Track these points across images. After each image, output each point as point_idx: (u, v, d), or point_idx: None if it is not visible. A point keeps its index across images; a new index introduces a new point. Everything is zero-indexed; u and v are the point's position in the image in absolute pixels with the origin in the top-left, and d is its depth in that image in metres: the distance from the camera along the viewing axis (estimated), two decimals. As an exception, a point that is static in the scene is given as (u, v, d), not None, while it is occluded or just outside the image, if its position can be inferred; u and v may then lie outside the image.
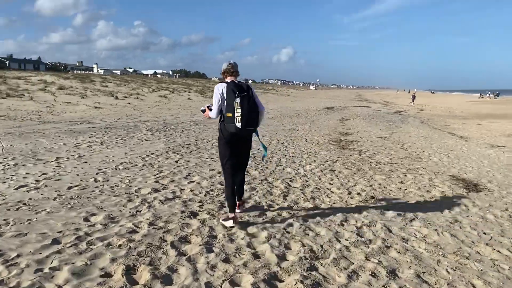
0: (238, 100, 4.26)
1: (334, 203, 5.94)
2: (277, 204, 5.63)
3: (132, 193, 5.67)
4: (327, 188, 6.79)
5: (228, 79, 4.53)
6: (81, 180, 6.24)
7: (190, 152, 9.63)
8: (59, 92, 26.21)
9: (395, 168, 9.20)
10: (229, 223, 4.60)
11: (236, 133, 4.36)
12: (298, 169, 8.34)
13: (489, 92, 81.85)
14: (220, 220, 4.77)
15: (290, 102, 44.48)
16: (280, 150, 10.89)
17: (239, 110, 4.24)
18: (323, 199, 6.06)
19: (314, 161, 9.47)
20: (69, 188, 5.76)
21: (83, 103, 21.96)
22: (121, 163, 7.76)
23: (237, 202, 4.89)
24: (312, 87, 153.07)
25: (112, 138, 11.06)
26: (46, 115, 16.22)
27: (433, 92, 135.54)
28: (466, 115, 33.32)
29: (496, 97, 71.71)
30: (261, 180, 7.07)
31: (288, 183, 6.98)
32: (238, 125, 4.26)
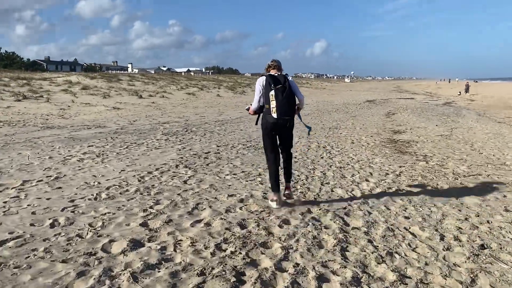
0: (272, 92, 4.57)
1: (426, 264, 3.57)
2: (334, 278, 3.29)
3: (93, 254, 3.49)
4: (406, 229, 4.41)
5: (270, 72, 4.81)
6: (31, 225, 4.14)
7: (207, 165, 7.46)
8: (82, 93, 24.84)
9: (483, 182, 6.68)
10: (273, 204, 4.96)
11: (274, 123, 4.68)
12: (353, 189, 5.98)
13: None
14: (268, 201, 5.11)
15: (326, 95, 41.76)
16: (322, 157, 8.54)
17: (274, 102, 4.55)
18: (406, 260, 3.66)
19: (371, 174, 7.08)
20: (1, 244, 3.67)
21: (103, 104, 20.34)
22: (108, 188, 5.68)
23: (286, 184, 5.07)
24: (347, 80, 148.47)
25: (115, 147, 9.07)
26: (54, 118, 14.54)
27: (477, 81, 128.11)
28: (526, 105, 29.57)
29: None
30: (302, 214, 4.77)
31: (342, 220, 4.65)
32: (274, 115, 4.58)
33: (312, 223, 4.42)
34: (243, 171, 6.94)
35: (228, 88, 37.75)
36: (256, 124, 5.13)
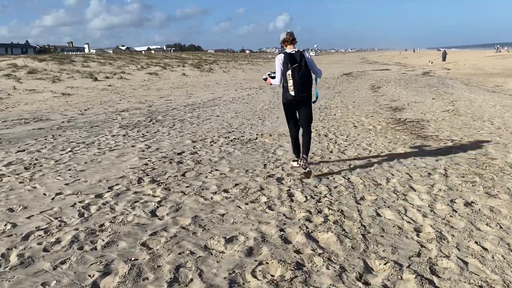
0: (289, 71, 4.80)
1: None
2: None
3: None
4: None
5: (287, 49, 5.00)
6: None
7: (184, 175, 5.32)
8: (27, 77, 21.72)
9: None
10: (295, 163, 5.48)
11: (292, 99, 4.98)
12: (406, 212, 4.02)
13: (498, 46, 76.36)
14: (291, 161, 5.66)
15: (297, 70, 39.73)
16: (332, 152, 6.56)
17: (291, 81, 4.82)
18: None
19: (411, 177, 5.14)
20: None
21: (51, 90, 17.49)
22: (26, 237, 3.46)
23: (303, 155, 5.16)
24: (312, 53, 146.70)
25: (54, 152, 6.74)
26: (-16, 111, 11.81)
27: (439, 50, 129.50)
28: (503, 72, 28.70)
29: (516, 49, 66.30)
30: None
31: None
32: (292, 93, 4.87)
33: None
34: (236, 184, 4.85)
35: (193, 66, 34.99)
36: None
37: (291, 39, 5.00)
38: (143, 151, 6.71)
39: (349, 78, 25.13)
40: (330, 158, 6.18)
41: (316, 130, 8.58)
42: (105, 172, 5.46)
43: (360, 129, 8.69)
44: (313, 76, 5.10)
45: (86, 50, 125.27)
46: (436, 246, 3.22)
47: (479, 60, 46.11)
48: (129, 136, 8.00)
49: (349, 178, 5.10)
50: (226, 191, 4.61)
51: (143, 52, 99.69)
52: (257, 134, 8.16)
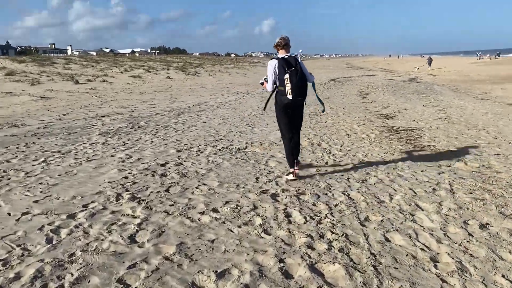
0: (287, 75, 4.77)
1: None
2: None
3: None
4: None
5: (280, 53, 5.01)
6: None
7: (167, 190, 4.81)
8: (5, 80, 20.85)
9: None
10: (290, 176, 5.23)
11: (288, 103, 4.93)
12: (417, 237, 3.61)
13: (480, 53, 77.57)
14: (284, 175, 5.33)
15: (284, 75, 39.42)
16: (328, 163, 6.14)
17: (289, 85, 4.78)
18: None
19: (415, 194, 4.75)
20: None
21: (29, 93, 16.73)
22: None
23: (295, 161, 5.25)
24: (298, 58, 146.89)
25: (26, 162, 6.16)
26: (-46, 116, 11.08)
27: (423, 56, 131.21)
28: (488, 79, 28.88)
29: (497, 57, 67.40)
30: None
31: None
32: (289, 96, 4.82)
33: None
34: (227, 202, 4.37)
35: (178, 69, 34.35)
36: (264, 109, 5.91)
37: (283, 44, 4.98)
38: (123, 161, 6.18)
39: (337, 84, 24.89)
40: (326, 170, 5.76)
41: (308, 138, 8.18)
42: (80, 187, 4.92)
43: (354, 138, 8.31)
44: (309, 83, 5.13)
45: (69, 52, 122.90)
46: (459, 281, 2.80)
47: (464, 67, 46.63)
48: (108, 144, 7.45)
49: (349, 194, 4.67)
50: (215, 210, 4.13)
51: (127, 54, 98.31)
52: (246, 143, 7.70)
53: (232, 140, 7.98)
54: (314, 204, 4.31)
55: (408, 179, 5.35)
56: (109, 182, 5.11)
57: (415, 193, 4.75)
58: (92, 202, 4.38)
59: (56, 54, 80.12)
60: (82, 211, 4.10)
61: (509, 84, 23.47)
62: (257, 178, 5.32)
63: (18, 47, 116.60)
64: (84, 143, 7.52)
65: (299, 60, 4.96)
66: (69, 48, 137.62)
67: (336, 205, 4.28)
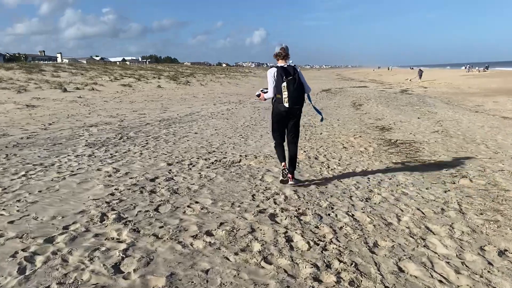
0: (284, 83, 4.86)
1: None
2: None
3: None
4: None
5: (279, 63, 5.10)
6: None
7: (157, 209, 4.44)
8: (-10, 87, 20.30)
9: None
10: (282, 164, 5.33)
11: (285, 111, 5.01)
12: (433, 266, 3.29)
13: (469, 66, 78.57)
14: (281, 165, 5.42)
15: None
16: (327, 179, 5.81)
17: (286, 93, 4.87)
18: None
19: (424, 215, 4.44)
20: None
21: (14, 100, 16.22)
22: None
23: (289, 175, 5.28)
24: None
25: (6, 174, 5.75)
26: None
27: (412, 68, 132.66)
28: (479, 91, 29.01)
29: (486, 69, 68.19)
30: None
31: None
32: (286, 104, 4.90)
33: None
34: (221, 224, 4.01)
35: (169, 78, 33.99)
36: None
37: (283, 54, 5.09)
38: (109, 176, 5.78)
39: (329, 95, 24.74)
40: (326, 187, 5.43)
41: (305, 151, 7.87)
42: (62, 205, 4.52)
43: (351, 151, 8.02)
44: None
45: (59, 60, 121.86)
46: (488, 322, 2.47)
47: (453, 79, 46.99)
48: (95, 156, 7.05)
49: (353, 215, 4.34)
50: (209, 233, 3.77)
51: (117, 63, 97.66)
52: (240, 156, 7.36)
53: (226, 153, 7.64)
54: (316, 227, 3.97)
55: (414, 197, 5.05)
56: (93, 199, 4.71)
57: (423, 214, 4.44)
58: (74, 223, 3.98)
59: (45, 61, 79.27)
60: (62, 234, 3.70)
61: (500, 97, 23.51)
62: (253, 195, 4.97)
63: (7, 54, 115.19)
64: (69, 155, 7.10)
65: (298, 70, 5.06)
66: (59, 55, 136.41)
67: (341, 228, 3.95)
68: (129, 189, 5.16)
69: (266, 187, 5.35)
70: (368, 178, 5.95)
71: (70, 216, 4.17)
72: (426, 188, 5.46)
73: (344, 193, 5.16)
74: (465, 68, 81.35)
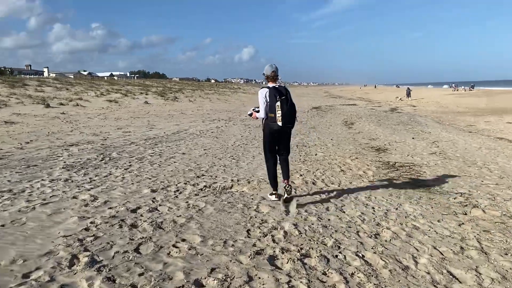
0: (278, 103, 4.98)
1: None
2: None
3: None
4: None
5: (270, 84, 5.21)
6: None
7: (137, 250, 3.82)
8: (-31, 102, 19.49)
9: None
10: (273, 197, 5.59)
11: (278, 130, 5.11)
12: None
13: (454, 85, 79.67)
14: (268, 195, 5.72)
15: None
16: (329, 209, 5.27)
17: (280, 112, 4.97)
18: None
19: (440, 253, 3.91)
20: None
21: (-8, 116, 15.46)
22: None
23: (285, 180, 5.31)
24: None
25: (-36, 205, 5.05)
26: None
27: (398, 86, 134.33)
28: (468, 111, 29.07)
29: (472, 89, 69.07)
30: None
31: None
32: (279, 123, 5.01)
33: None
34: (213, 270, 3.41)
35: (157, 93, 33.40)
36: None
37: (272, 76, 5.22)
38: (86, 205, 5.15)
39: (319, 112, 24.40)
40: (329, 219, 4.88)
41: (301, 174, 7.35)
42: (27, 243, 3.88)
43: (350, 175, 7.52)
44: None
45: (46, 74, 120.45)
46: None
47: (441, 98, 47.33)
48: (72, 181, 6.40)
49: (363, 256, 3.79)
50: (198, 283, 3.17)
51: (105, 78, 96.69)
52: (232, 180, 6.79)
53: (216, 177, 7.06)
54: (324, 273, 3.40)
55: (427, 232, 4.52)
56: (64, 236, 4.08)
57: (442, 254, 3.91)
58: (37, 269, 3.35)
59: (31, 76, 77.98)
60: (20, 285, 3.06)
61: (491, 116, 23.46)
62: (248, 231, 4.39)
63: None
64: (43, 180, 6.44)
65: (289, 91, 5.21)
66: (45, 69, 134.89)
67: (352, 275, 3.38)
68: (107, 222, 4.54)
69: (262, 220, 4.77)
70: (373, 208, 5.42)
71: (34, 259, 3.53)
72: (438, 221, 4.95)
73: (349, 227, 4.61)
74: (451, 87, 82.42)
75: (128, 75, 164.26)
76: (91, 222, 4.51)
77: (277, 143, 5.38)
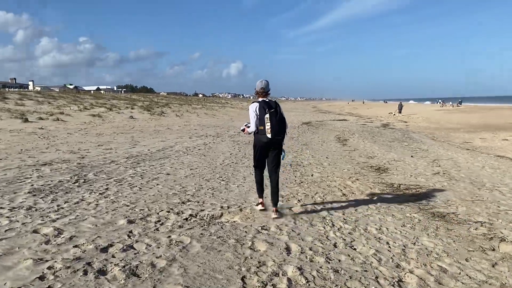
0: (267, 115, 5.11)
1: None
2: None
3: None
4: None
5: (260, 99, 5.35)
6: None
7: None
8: None
9: None
10: (259, 207, 5.74)
11: (267, 142, 5.23)
12: None
13: (441, 101, 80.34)
14: (253, 205, 5.90)
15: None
16: (337, 245, 4.48)
17: (269, 124, 5.10)
18: None
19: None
20: None
21: (-37, 131, 14.39)
22: None
23: (273, 208, 5.46)
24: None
25: None
26: None
27: (386, 102, 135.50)
28: (460, 127, 28.74)
29: (459, 105, 69.55)
30: None
31: None
32: (269, 135, 5.14)
33: None
34: None
35: (143, 108, 32.45)
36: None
37: (262, 92, 5.34)
38: (47, 242, 4.27)
39: (311, 128, 23.74)
40: (339, 259, 4.07)
41: (299, 200, 6.56)
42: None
43: (353, 200, 6.75)
44: None
45: (31, 87, 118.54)
46: None
47: (430, 114, 47.31)
48: (36, 210, 5.50)
49: (390, 315, 2.98)
50: None
51: (91, 91, 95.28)
52: (222, 207, 5.97)
53: (203, 202, 6.23)
54: None
55: (455, 275, 3.75)
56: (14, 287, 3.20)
57: (486, 310, 3.13)
58: None
59: (13, 89, 76.23)
60: None
61: (485, 133, 23.08)
62: (243, 278, 3.57)
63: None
64: (1, 207, 5.53)
65: (279, 104, 5.33)
66: (30, 83, 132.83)
67: None
68: (69, 267, 3.66)
69: (259, 262, 3.95)
70: (388, 243, 4.64)
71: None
72: (466, 260, 4.20)
73: (365, 270, 3.81)
74: (438, 102, 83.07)
75: (115, 89, 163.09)
76: (48, 268, 3.63)
77: (266, 156, 5.46)
